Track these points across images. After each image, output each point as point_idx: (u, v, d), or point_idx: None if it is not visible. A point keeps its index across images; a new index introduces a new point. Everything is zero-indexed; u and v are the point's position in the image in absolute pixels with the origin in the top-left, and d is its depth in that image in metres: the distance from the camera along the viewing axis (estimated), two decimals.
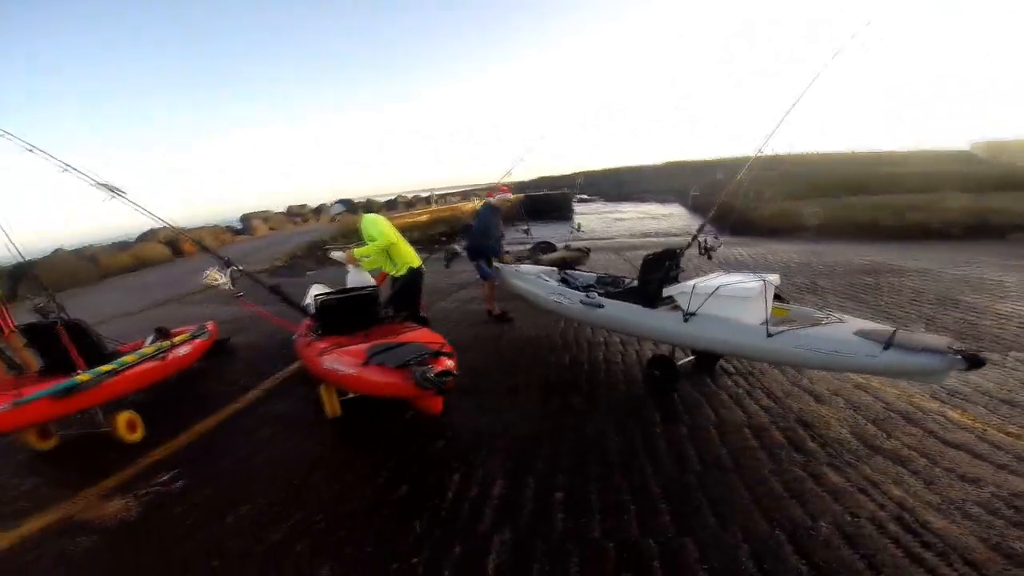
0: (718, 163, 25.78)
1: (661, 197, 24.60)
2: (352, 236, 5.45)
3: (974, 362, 2.10)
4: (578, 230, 5.68)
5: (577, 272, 4.28)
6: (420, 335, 2.90)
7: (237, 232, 19.24)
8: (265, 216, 21.35)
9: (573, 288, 3.75)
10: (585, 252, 6.23)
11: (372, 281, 3.82)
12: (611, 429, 2.66)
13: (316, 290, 3.70)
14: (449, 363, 2.38)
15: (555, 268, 4.42)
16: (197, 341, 3.84)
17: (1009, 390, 2.80)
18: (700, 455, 2.36)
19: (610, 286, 3.73)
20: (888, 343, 2.24)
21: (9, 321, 3.59)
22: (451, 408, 3.02)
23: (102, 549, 2.06)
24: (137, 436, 2.94)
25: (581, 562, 1.75)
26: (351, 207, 3.99)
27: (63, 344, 2.70)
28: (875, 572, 1.60)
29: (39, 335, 2.95)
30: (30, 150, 3.04)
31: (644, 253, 3.53)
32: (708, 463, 2.29)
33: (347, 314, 3.13)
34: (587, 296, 3.47)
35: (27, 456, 2.90)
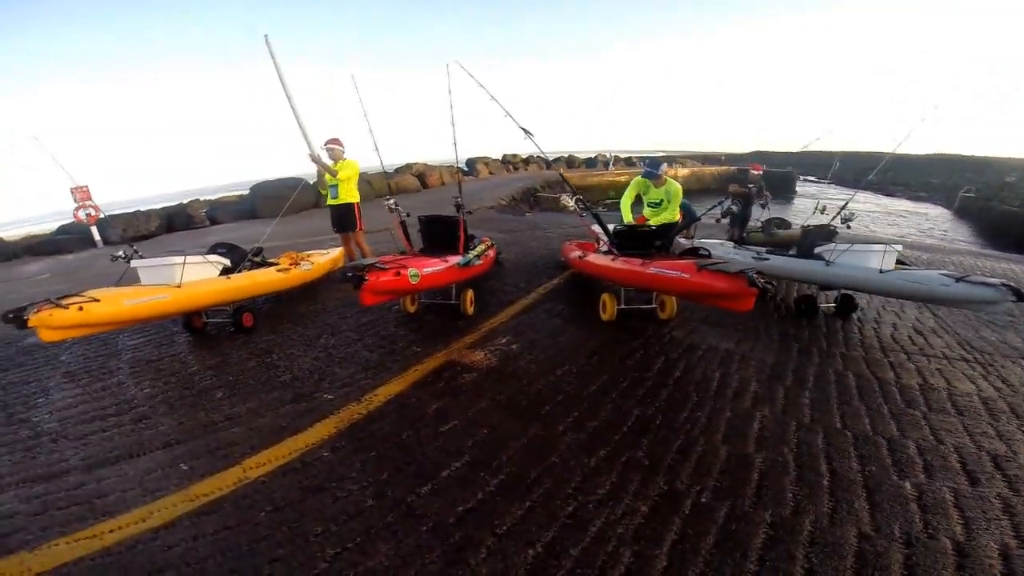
0: (1009, 162, 21.04)
1: (914, 192, 21.43)
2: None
3: (1020, 295, 3.30)
4: (821, 212, 5.93)
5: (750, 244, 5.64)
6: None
7: (465, 173, 23.29)
8: (486, 161, 25.81)
9: (746, 250, 5.31)
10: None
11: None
12: (851, 374, 3.50)
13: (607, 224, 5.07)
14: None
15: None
16: (494, 250, 5.66)
17: None
18: (927, 403, 3.11)
19: (775, 252, 5.01)
20: (960, 279, 3.57)
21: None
22: (700, 331, 4.23)
23: (480, 382, 3.40)
24: (472, 310, 4.63)
25: (826, 437, 2.73)
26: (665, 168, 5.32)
27: (456, 232, 4.57)
28: None
29: (433, 224, 4.84)
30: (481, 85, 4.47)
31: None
32: (933, 408, 3.04)
33: (637, 240, 4.41)
34: (757, 254, 4.87)
35: (400, 316, 4.72)
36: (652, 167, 5.04)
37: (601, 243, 5.00)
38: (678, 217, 5.02)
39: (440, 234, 4.77)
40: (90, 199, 10.23)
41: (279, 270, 4.75)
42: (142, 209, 13.19)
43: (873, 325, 4.49)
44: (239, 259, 4.52)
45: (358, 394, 3.31)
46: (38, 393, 3.65)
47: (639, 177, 5.18)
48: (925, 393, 3.24)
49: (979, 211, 15.93)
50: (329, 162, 5.51)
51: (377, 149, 4.92)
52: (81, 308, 3.33)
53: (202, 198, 15.61)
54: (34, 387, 3.76)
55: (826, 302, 4.79)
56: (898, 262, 4.19)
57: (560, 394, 3.26)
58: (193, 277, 4.00)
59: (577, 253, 5.09)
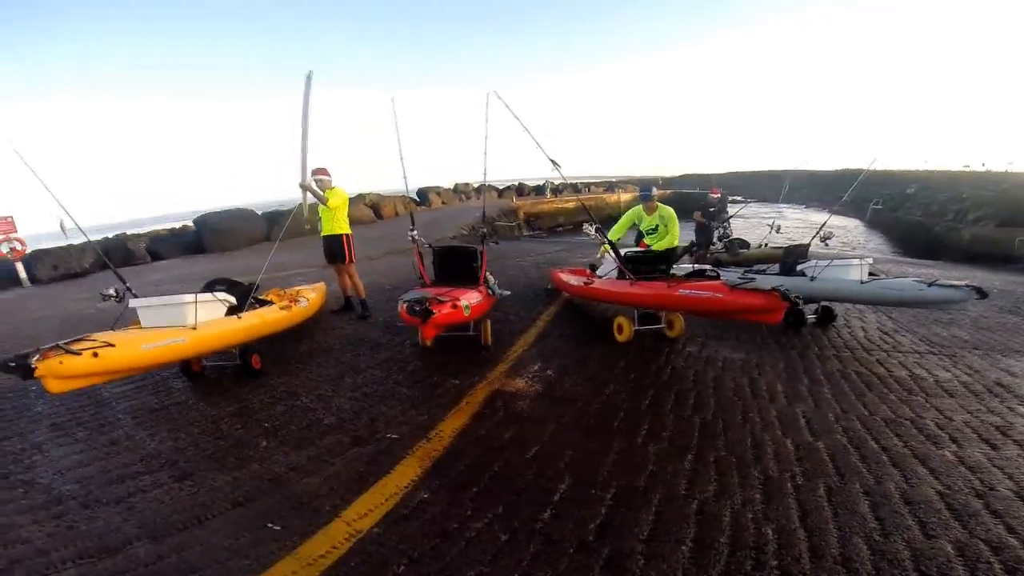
0: (911, 175, 24.23)
1: (832, 206, 24.53)
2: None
3: (982, 293, 4.30)
4: (776, 232, 6.87)
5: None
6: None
7: (418, 203, 23.15)
8: (438, 191, 26.27)
9: (729, 270, 5.85)
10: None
11: None
12: (852, 372, 4.18)
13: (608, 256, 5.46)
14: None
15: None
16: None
17: None
18: (923, 389, 3.81)
19: (758, 272, 5.71)
20: (932, 283, 4.50)
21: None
22: (710, 345, 4.78)
23: (536, 408, 3.60)
24: (491, 340, 4.76)
25: (862, 423, 3.27)
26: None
27: (472, 263, 4.76)
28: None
29: (448, 254, 5.00)
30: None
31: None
32: (929, 393, 3.75)
33: (644, 265, 4.85)
34: (743, 275, 5.33)
35: (416, 351, 4.77)
36: (646, 191, 5.65)
37: (602, 269, 5.45)
38: (677, 242, 5.63)
39: (455, 265, 4.94)
40: (15, 231, 8.95)
41: (282, 307, 4.60)
42: (74, 243, 11.60)
43: (847, 329, 5.34)
44: (242, 297, 4.33)
45: (422, 432, 3.33)
46: (29, 450, 3.25)
47: (637, 208, 5.76)
48: (917, 382, 3.97)
49: (888, 222, 18.74)
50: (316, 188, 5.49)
51: (405, 176, 5.00)
52: (96, 354, 3.06)
53: (129, 231, 14.13)
54: (19, 443, 3.34)
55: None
56: (870, 274, 5.06)
57: (620, 411, 3.55)
58: (203, 318, 3.79)
59: (579, 280, 5.50)
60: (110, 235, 13.27)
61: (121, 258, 12.46)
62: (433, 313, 3.66)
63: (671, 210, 5.62)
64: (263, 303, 4.69)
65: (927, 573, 2.01)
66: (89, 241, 4.44)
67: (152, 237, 14.33)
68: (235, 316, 4.06)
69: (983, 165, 28.71)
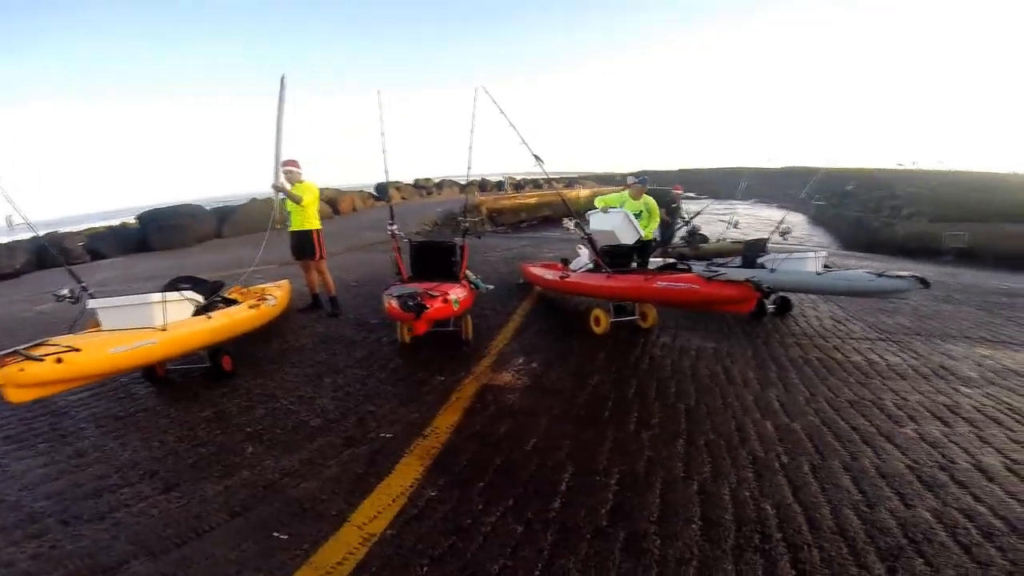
0: (850, 173, 25.16)
1: (779, 202, 25.52)
2: None
3: (925, 283, 4.81)
4: (735, 226, 7.29)
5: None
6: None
7: (376, 198, 22.41)
8: (398, 186, 25.86)
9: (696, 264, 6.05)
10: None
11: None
12: (813, 358, 4.54)
13: (583, 250, 5.58)
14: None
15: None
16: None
17: None
18: (878, 373, 4.21)
19: (720, 265, 6.02)
20: (880, 274, 5.01)
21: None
22: (682, 335, 5.04)
23: (525, 401, 3.69)
24: (471, 335, 4.76)
25: (830, 405, 3.58)
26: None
27: (452, 258, 4.75)
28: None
29: (426, 249, 4.95)
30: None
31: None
32: (884, 376, 4.15)
33: (619, 259, 5.01)
34: (707, 267, 5.67)
35: (394, 349, 4.71)
36: (641, 177, 5.95)
37: (576, 263, 5.59)
38: (651, 235, 5.87)
39: (433, 260, 4.91)
40: None
41: (251, 306, 4.43)
42: (1, 241, 10.39)
43: (803, 319, 5.77)
44: (208, 295, 4.13)
45: (417, 429, 3.32)
46: None
47: (623, 193, 6.00)
48: (872, 366, 4.37)
49: (830, 218, 19.98)
50: (288, 187, 5.30)
51: (386, 170, 4.90)
52: (60, 360, 2.85)
53: (62, 229, 13.00)
54: None
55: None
56: (824, 266, 5.48)
57: (607, 400, 3.70)
58: (171, 318, 3.59)
59: (553, 274, 5.62)
60: (41, 233, 12.22)
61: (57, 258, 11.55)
62: (427, 308, 3.67)
63: (654, 201, 5.87)
64: (229, 302, 4.49)
65: (915, 539, 2.25)
66: (37, 236, 4.09)
67: (91, 235, 13.55)
68: (204, 316, 3.88)
69: (914, 163, 30.96)
